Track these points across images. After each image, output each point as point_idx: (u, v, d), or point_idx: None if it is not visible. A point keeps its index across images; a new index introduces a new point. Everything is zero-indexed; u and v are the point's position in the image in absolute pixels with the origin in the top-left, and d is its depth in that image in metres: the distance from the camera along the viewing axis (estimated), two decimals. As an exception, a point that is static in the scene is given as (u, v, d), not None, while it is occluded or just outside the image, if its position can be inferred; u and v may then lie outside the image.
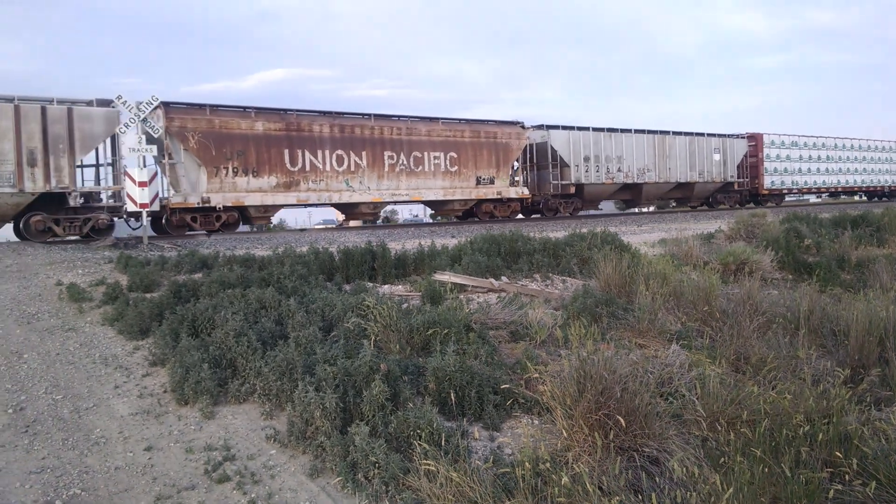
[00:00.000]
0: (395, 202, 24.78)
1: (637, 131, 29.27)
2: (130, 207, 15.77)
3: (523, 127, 26.06)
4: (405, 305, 7.83)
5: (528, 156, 26.43)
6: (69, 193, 18.58)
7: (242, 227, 21.97)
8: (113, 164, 19.45)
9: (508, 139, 25.38)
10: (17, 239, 17.79)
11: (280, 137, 21.20)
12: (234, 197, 21.23)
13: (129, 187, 15.39)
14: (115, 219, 19.54)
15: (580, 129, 27.33)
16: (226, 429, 5.19)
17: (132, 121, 15.60)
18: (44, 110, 18.41)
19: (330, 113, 22.39)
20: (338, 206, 25.34)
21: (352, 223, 27.16)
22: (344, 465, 4.42)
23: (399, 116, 23.74)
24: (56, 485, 4.34)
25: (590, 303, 8.10)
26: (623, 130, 28.86)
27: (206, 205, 20.31)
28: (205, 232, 19.40)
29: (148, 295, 8.72)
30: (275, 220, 26.82)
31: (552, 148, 26.36)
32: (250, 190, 21.33)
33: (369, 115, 23.07)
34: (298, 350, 6.03)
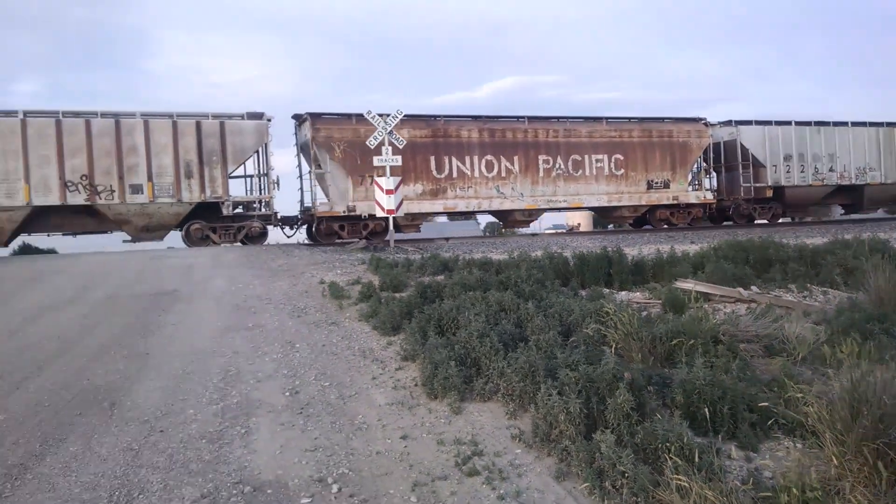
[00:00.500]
0: (552, 209, 23.50)
1: (855, 124, 25.63)
2: (378, 213, 16.93)
3: (706, 124, 23.84)
4: (644, 313, 7.60)
5: (713, 156, 24.21)
6: (222, 203, 20.49)
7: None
8: (266, 175, 20.56)
9: (686, 138, 23.34)
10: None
11: (426, 144, 21.03)
12: None
13: (377, 194, 16.58)
14: (269, 226, 20.63)
15: (778, 123, 24.65)
16: (472, 425, 5.40)
17: (379, 134, 16.79)
18: (199, 125, 19.99)
19: (480, 117, 21.86)
20: (488, 214, 24.80)
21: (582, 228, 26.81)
22: (590, 471, 4.39)
23: (557, 118, 22.75)
24: (327, 463, 4.81)
25: (858, 318, 7.25)
26: (837, 124, 25.48)
27: (352, 213, 20.85)
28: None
29: (397, 294, 9.37)
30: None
31: (742, 146, 23.96)
32: None
33: (523, 117, 22.31)
34: (539, 353, 6.12)
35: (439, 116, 21.30)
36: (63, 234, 19.57)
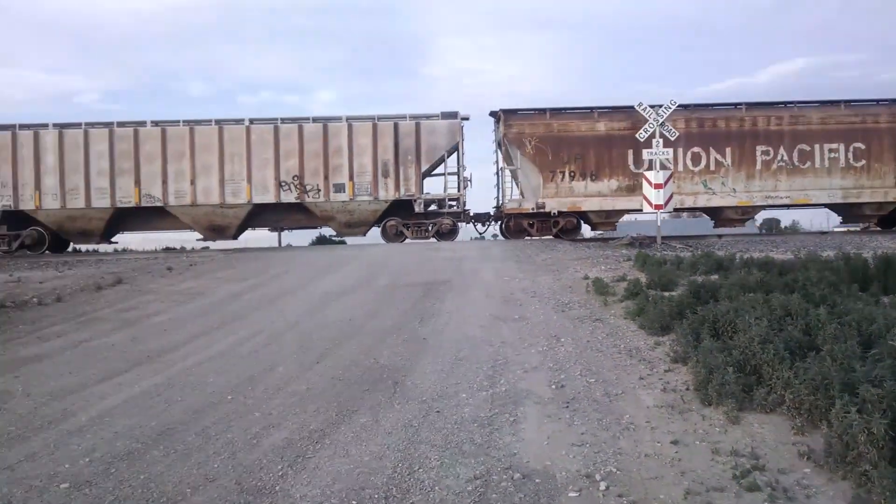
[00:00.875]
0: (771, 206, 20.61)
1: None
2: (646, 209, 16.42)
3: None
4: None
5: None
6: (415, 200, 20.75)
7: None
8: (457, 173, 20.75)
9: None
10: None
11: (624, 137, 19.57)
12: (571, 202, 20.25)
13: (646, 189, 16.07)
14: (459, 223, 20.93)
15: None
16: (751, 437, 4.99)
17: (650, 126, 16.24)
18: (396, 126, 20.66)
19: (688, 106, 19.86)
20: (696, 211, 22.34)
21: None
22: (898, 503, 3.81)
23: (784, 103, 20.05)
24: (594, 459, 4.76)
25: None
26: None
27: (541, 210, 19.91)
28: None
29: (666, 293, 8.99)
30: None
31: None
32: (588, 194, 20.09)
33: (740, 104, 19.98)
34: (834, 365, 5.45)
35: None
36: (271, 230, 21.93)
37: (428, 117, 20.66)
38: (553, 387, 6.28)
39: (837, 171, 20.08)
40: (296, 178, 20.44)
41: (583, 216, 20.84)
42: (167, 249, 23.04)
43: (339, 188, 20.40)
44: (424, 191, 20.80)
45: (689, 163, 20.24)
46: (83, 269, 15.67)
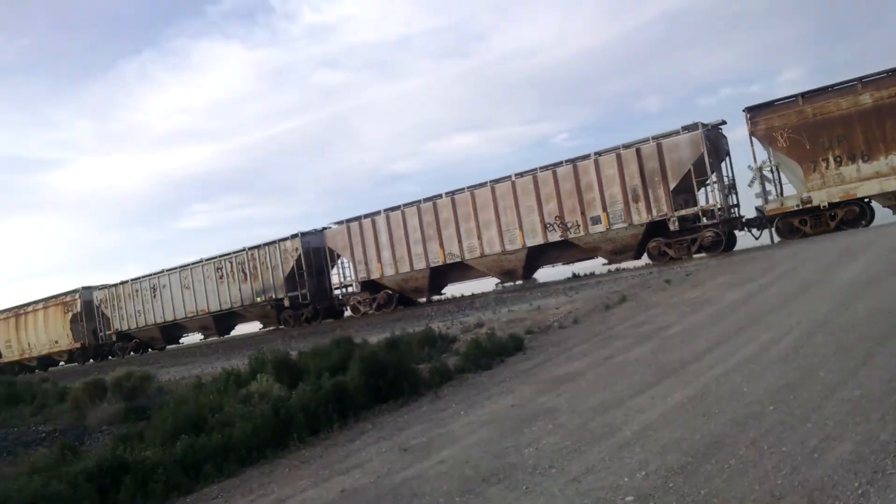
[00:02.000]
0: None
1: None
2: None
3: None
4: None
5: None
6: (668, 219, 20.15)
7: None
8: (705, 183, 20.19)
9: None
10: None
11: None
12: (842, 190, 17.80)
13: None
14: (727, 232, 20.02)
15: None
16: None
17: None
18: (638, 151, 20.83)
19: None
20: None
21: None
22: None
23: None
24: None
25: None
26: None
27: (808, 205, 17.78)
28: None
29: None
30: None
31: None
32: (862, 178, 17.27)
33: None
34: None
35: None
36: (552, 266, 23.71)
37: (668, 135, 20.73)
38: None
39: None
40: (557, 219, 22.47)
41: (858, 204, 18.26)
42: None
43: (596, 220, 21.73)
44: (685, 206, 20.79)
45: None
46: (588, 292, 16.95)
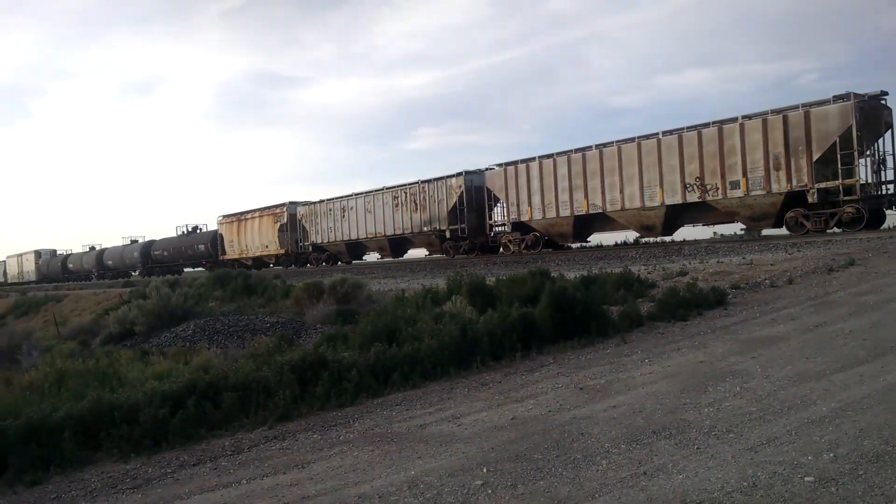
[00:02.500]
0: None
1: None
2: None
3: None
4: None
5: None
6: (807, 191, 19.74)
7: None
8: (852, 156, 19.06)
9: None
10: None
11: None
12: None
13: None
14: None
15: None
16: None
17: None
18: (785, 119, 20.32)
19: None
20: None
21: None
22: None
23: None
24: None
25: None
26: None
27: None
28: None
29: None
30: None
31: None
32: None
33: None
34: None
35: None
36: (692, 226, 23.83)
37: (818, 104, 20.02)
38: None
39: None
40: (697, 180, 22.70)
41: None
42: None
43: (735, 185, 21.70)
44: (827, 179, 20.13)
45: None
46: (811, 251, 15.76)
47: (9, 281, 72.15)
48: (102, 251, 61.56)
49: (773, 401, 6.08)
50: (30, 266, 70.38)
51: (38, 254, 70.04)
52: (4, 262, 77.88)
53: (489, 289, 13.03)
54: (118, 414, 7.23)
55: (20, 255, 73.19)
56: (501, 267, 22.31)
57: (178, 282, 28.87)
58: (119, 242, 60.45)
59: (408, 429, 6.77)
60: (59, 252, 70.30)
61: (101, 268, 60.00)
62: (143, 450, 6.93)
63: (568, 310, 10.08)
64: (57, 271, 66.39)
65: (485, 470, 5.22)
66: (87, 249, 64.42)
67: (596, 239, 29.60)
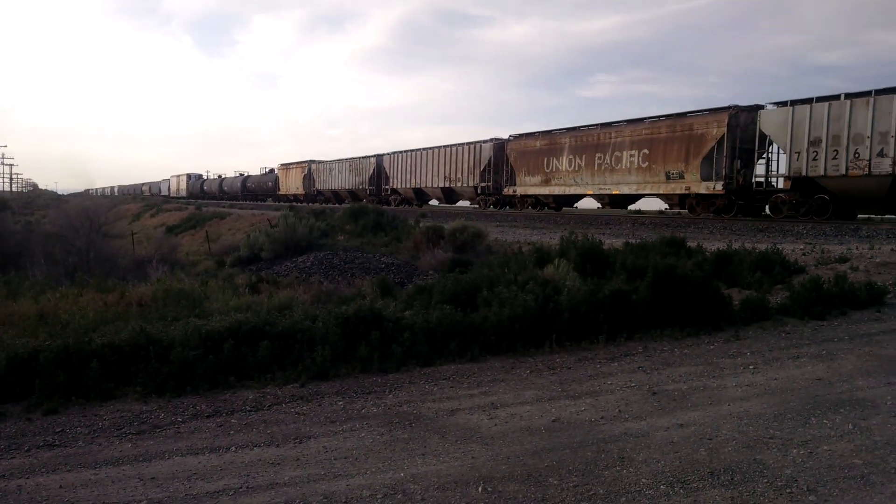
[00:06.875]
0: None
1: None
2: None
3: None
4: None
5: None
6: None
7: None
8: None
9: None
10: None
11: None
12: None
13: None
14: None
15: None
16: None
17: None
18: None
19: None
20: None
21: None
22: None
23: None
24: None
25: None
26: None
27: None
28: None
29: None
30: None
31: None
32: None
33: None
34: None
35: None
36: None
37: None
38: None
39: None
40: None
41: None
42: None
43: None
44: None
45: None
46: None
47: (171, 196, 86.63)
48: (240, 177, 75.24)
49: (889, 453, 4.55)
50: (182, 185, 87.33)
51: (189, 176, 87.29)
52: (169, 180, 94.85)
53: (604, 254, 11.71)
54: (154, 349, 6.93)
55: (178, 177, 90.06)
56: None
57: (324, 212, 29.72)
58: (257, 171, 73.76)
59: (436, 412, 5.92)
60: (203, 175, 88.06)
61: (221, 191, 78.02)
62: (168, 391, 6.58)
63: (675, 292, 8.56)
64: (198, 191, 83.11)
65: (480, 489, 4.26)
66: (221, 177, 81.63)
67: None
